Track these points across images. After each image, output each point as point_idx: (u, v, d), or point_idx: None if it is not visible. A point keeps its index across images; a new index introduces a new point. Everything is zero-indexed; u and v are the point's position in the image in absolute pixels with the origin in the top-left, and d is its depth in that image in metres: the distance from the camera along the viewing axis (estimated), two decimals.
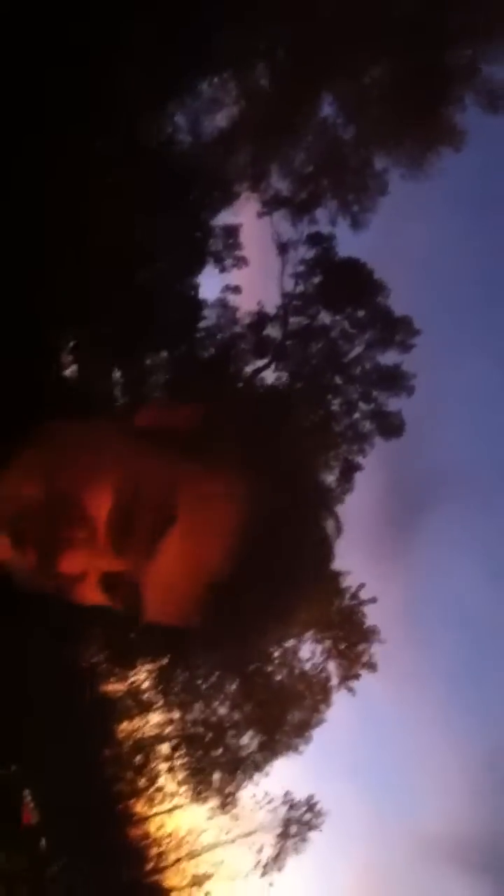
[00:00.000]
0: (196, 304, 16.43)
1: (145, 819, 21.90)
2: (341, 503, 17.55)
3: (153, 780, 21.45)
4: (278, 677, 20.38)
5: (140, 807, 21.72)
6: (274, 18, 13.12)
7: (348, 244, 19.66)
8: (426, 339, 17.78)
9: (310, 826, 21.82)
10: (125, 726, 21.10)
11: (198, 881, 21.90)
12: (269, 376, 17.11)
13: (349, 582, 19.55)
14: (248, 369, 17.10)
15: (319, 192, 17.05)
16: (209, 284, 21.24)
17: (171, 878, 22.09)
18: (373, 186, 16.71)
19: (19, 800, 11.48)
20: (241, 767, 21.47)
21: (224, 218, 16.61)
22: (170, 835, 22.05)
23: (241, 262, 17.14)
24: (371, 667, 20.26)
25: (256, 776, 21.58)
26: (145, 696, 20.83)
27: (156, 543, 0.91)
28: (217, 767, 21.49)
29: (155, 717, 21.44)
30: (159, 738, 21.61)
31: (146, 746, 21.38)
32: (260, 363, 17.19)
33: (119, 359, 14.92)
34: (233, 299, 17.47)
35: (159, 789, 21.45)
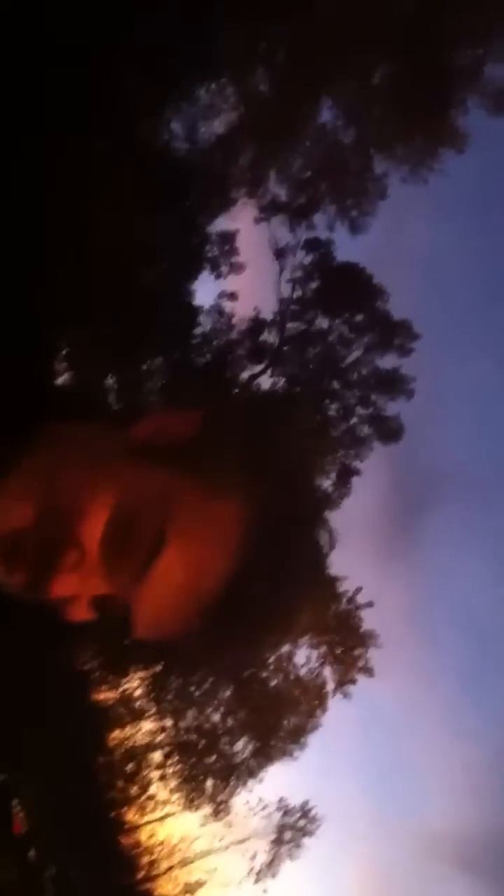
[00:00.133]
0: (192, 309, 16.40)
1: (137, 827, 21.88)
2: (338, 508, 17.65)
3: (145, 787, 21.43)
4: (273, 683, 20.34)
5: (132, 815, 21.71)
6: (273, 21, 13.10)
7: (349, 248, 19.66)
8: (428, 341, 17.81)
9: (304, 832, 21.79)
10: (117, 734, 21.08)
11: (190, 889, 21.87)
12: (266, 382, 17.12)
13: (348, 585, 19.52)
14: (245, 375, 17.09)
15: (317, 197, 17.03)
16: (205, 290, 21.24)
17: (163, 886, 22.07)
18: (372, 190, 16.71)
19: (9, 808, 11.43)
20: (234, 774, 21.43)
21: (221, 224, 16.62)
22: (162, 842, 22.05)
23: (237, 267, 17.13)
24: (368, 671, 20.22)
25: (250, 782, 21.56)
26: (138, 703, 20.82)
27: (147, 567, 0.91)
28: (210, 774, 21.46)
29: (147, 725, 21.44)
30: (151, 746, 21.58)
31: (138, 754, 21.34)
32: (257, 369, 17.16)
33: (114, 364, 14.88)
34: (229, 305, 17.47)
35: (151, 797, 21.44)
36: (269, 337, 17.40)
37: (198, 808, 21.56)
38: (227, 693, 19.90)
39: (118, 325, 12.64)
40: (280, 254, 17.35)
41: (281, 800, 21.87)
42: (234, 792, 21.54)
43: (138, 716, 21.05)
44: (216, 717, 21.24)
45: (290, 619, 1.01)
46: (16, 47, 8.09)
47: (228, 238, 16.87)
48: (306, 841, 21.73)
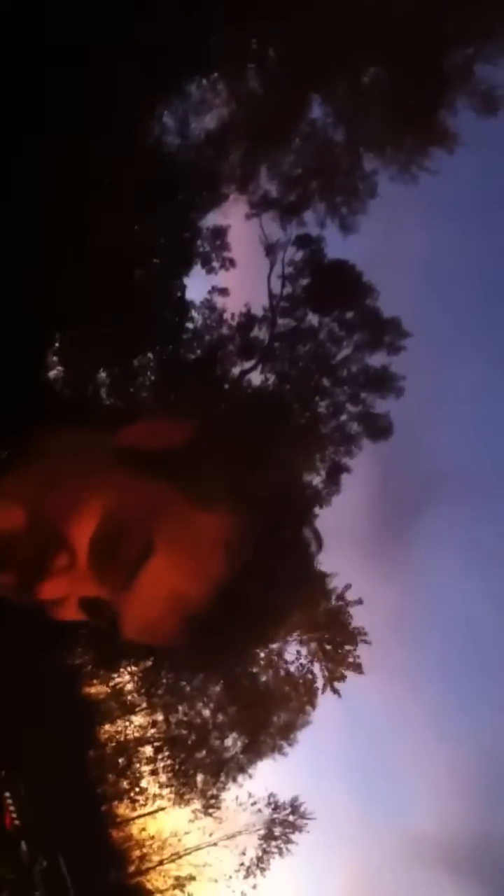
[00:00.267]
0: (183, 305, 16.38)
1: (128, 821, 21.89)
2: (329, 505, 17.69)
3: (136, 782, 21.43)
4: (263, 679, 20.35)
5: (123, 809, 21.73)
6: (265, 20, 13.08)
7: (344, 247, 19.67)
8: (423, 340, 17.87)
9: (294, 827, 21.82)
10: (108, 729, 21.09)
11: (180, 883, 21.89)
12: (257, 378, 17.11)
13: (338, 583, 19.55)
14: (236, 371, 17.07)
15: (308, 194, 17.01)
16: (196, 286, 21.23)
17: (153, 881, 22.08)
18: (362, 189, 16.70)
19: (1, 804, 11.44)
20: (224, 769, 21.45)
21: (212, 219, 16.60)
22: (153, 837, 22.07)
23: (228, 263, 17.12)
24: (357, 668, 20.25)
25: (240, 778, 21.58)
26: (129, 698, 20.82)
27: (135, 574, 0.91)
28: (200, 769, 21.48)
29: (138, 720, 21.45)
30: (142, 741, 21.59)
31: (129, 749, 21.35)
32: (247, 365, 17.15)
33: (105, 359, 14.86)
34: (220, 301, 17.45)
35: (142, 792, 21.43)
36: (260, 333, 17.41)
37: (188, 803, 21.61)
38: (218, 689, 19.91)
39: (110, 320, 12.63)
40: (271, 250, 17.38)
41: (270, 795, 21.93)
42: (224, 787, 21.60)
43: (129, 710, 21.07)
44: (207, 713, 21.29)
45: (279, 625, 1.03)
46: (14, 46, 8.10)
47: (220, 233, 16.87)
48: (295, 836, 21.80)
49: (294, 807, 21.80)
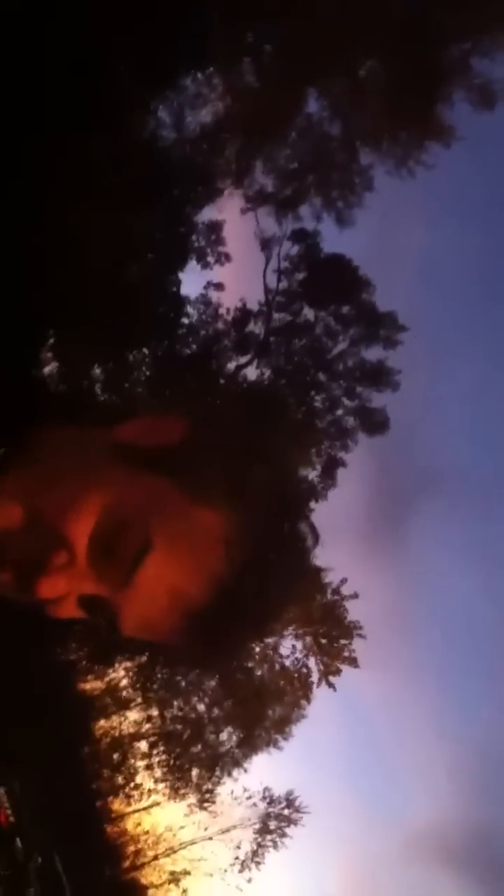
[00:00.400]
0: (179, 300, 16.36)
1: (123, 816, 21.93)
2: (325, 499, 17.70)
3: (131, 777, 21.47)
4: (259, 673, 20.38)
5: (118, 804, 21.78)
6: (262, 13, 13.04)
7: (340, 241, 19.66)
8: (419, 334, 17.85)
9: (289, 821, 21.87)
10: (103, 724, 21.12)
11: (175, 878, 21.93)
12: (252, 373, 17.11)
13: (334, 577, 19.56)
14: (231, 366, 17.06)
15: (304, 188, 16.98)
16: (192, 281, 21.18)
17: (149, 876, 22.14)
18: (358, 183, 16.67)
19: None
20: (219, 764, 21.49)
21: (208, 214, 16.56)
22: (147, 832, 22.12)
23: (224, 258, 17.09)
24: (352, 662, 20.28)
25: (236, 772, 21.63)
26: (124, 693, 20.85)
27: (134, 571, 0.91)
28: (195, 764, 21.52)
29: (133, 715, 21.48)
30: (137, 736, 21.62)
31: (124, 744, 21.38)
32: (243, 360, 17.14)
33: (101, 354, 14.83)
34: (216, 296, 17.43)
35: (137, 787, 21.48)
36: (256, 328, 17.41)
37: (183, 797, 21.66)
38: (213, 683, 19.93)
39: (105, 316, 12.59)
40: (266, 245, 17.35)
41: (266, 789, 21.98)
42: (219, 782, 21.64)
43: (124, 706, 21.10)
44: (202, 708, 21.33)
45: (276, 620, 1.03)
46: (11, 42, 8.07)
47: (215, 228, 16.85)
48: (290, 830, 21.85)
49: (289, 801, 21.86)
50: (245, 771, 21.67)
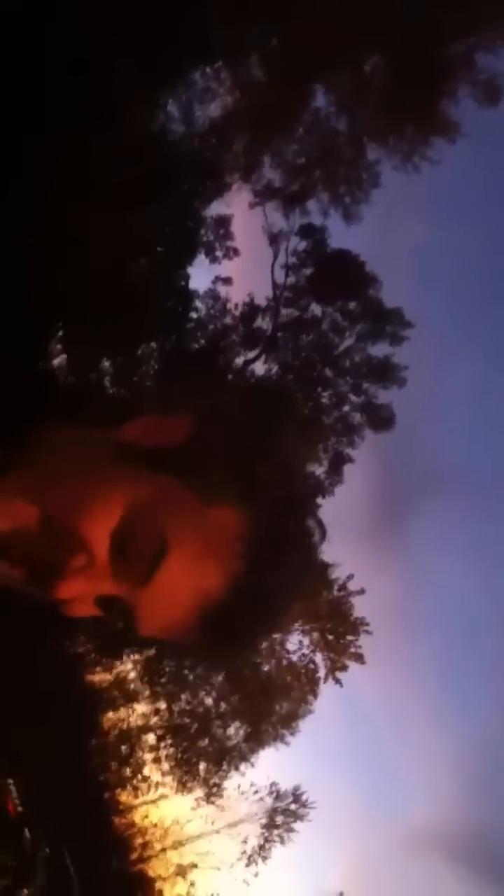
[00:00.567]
0: (187, 294, 16.36)
1: (131, 809, 21.94)
2: (331, 495, 17.71)
3: (139, 769, 21.48)
4: (266, 668, 20.39)
5: (125, 796, 21.77)
6: (269, 8, 13.04)
7: (347, 236, 19.60)
8: (423, 333, 17.83)
9: (296, 816, 21.87)
10: (111, 716, 21.14)
11: (182, 871, 21.94)
12: (260, 368, 17.12)
13: (339, 573, 19.54)
14: (239, 361, 17.08)
15: (312, 183, 16.99)
16: (200, 275, 21.20)
17: (156, 868, 22.14)
18: (365, 178, 16.67)
19: (4, 790, 11.48)
20: (227, 758, 21.50)
21: (216, 208, 16.57)
22: (155, 825, 22.09)
23: (232, 252, 17.11)
24: (358, 658, 20.29)
25: (243, 766, 21.64)
26: (132, 686, 20.87)
27: (152, 573, 0.93)
28: (203, 758, 21.52)
29: (141, 708, 21.49)
30: (145, 729, 21.64)
31: (132, 737, 21.40)
32: (251, 355, 17.16)
33: (108, 350, 14.86)
34: (224, 290, 17.45)
35: (145, 779, 21.48)
36: (263, 323, 17.41)
37: (190, 791, 21.66)
38: (220, 678, 19.94)
39: (113, 310, 12.61)
40: (274, 239, 17.36)
41: (273, 784, 21.97)
42: (226, 776, 21.65)
43: (132, 699, 21.12)
44: (209, 701, 21.34)
45: (287, 615, 1.06)
46: (16, 37, 8.09)
47: (223, 223, 16.86)
48: (297, 825, 21.85)
49: (296, 796, 21.83)
50: (252, 765, 21.68)
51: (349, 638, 20.20)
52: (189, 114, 14.94)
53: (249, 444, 1.02)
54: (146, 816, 22.13)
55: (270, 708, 21.00)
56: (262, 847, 21.63)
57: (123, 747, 21.26)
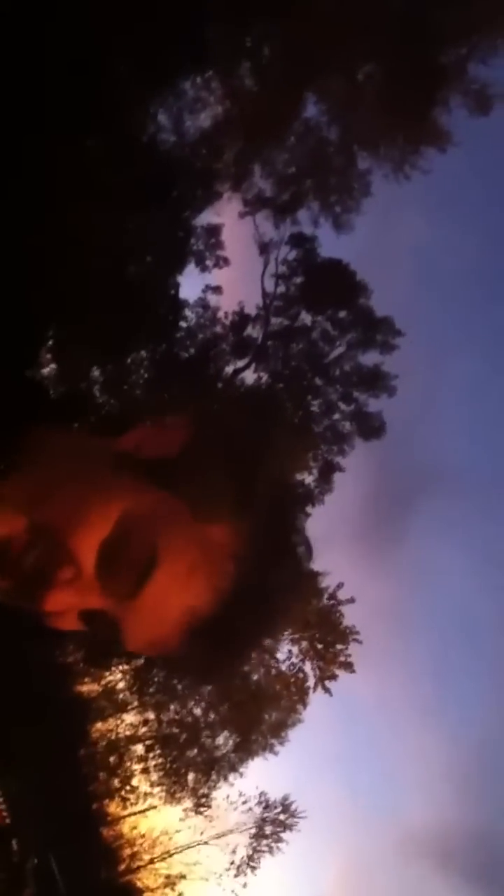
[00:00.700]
0: (177, 303, 16.38)
1: (119, 819, 21.88)
2: (322, 504, 17.72)
3: (127, 780, 21.42)
4: (255, 677, 20.35)
5: (114, 807, 21.72)
6: (260, 16, 13.09)
7: (338, 245, 19.69)
8: (416, 339, 17.88)
9: (285, 826, 21.82)
10: (99, 726, 21.08)
11: (171, 882, 21.88)
12: (250, 377, 17.13)
13: (330, 580, 19.57)
14: (229, 369, 17.09)
15: (302, 192, 17.04)
16: (190, 284, 21.24)
17: (144, 879, 22.08)
18: (356, 188, 16.73)
19: None
20: (215, 768, 21.45)
21: (206, 217, 16.60)
22: (143, 835, 22.06)
23: (222, 261, 17.13)
24: (348, 666, 20.28)
25: (231, 776, 21.59)
26: (120, 696, 20.82)
27: (141, 586, 0.91)
28: (192, 768, 21.48)
29: (130, 718, 21.44)
30: (134, 739, 21.59)
31: (120, 747, 21.34)
32: (240, 363, 17.17)
33: (98, 358, 14.85)
34: (214, 299, 17.47)
35: (133, 790, 21.43)
36: (253, 332, 17.44)
37: (179, 801, 21.61)
38: (209, 688, 19.89)
39: (103, 318, 12.61)
40: (265, 248, 17.40)
41: (262, 794, 21.94)
42: (215, 786, 21.60)
43: (121, 709, 21.07)
44: (198, 711, 21.30)
45: (277, 630, 1.05)
46: (11, 44, 8.10)
47: (214, 231, 16.89)
48: (286, 835, 21.81)
49: (285, 805, 21.81)
50: (241, 775, 21.65)
51: (339, 647, 20.20)
52: (180, 123, 14.97)
53: (241, 458, 1.00)
54: (135, 827, 22.11)
55: (260, 717, 20.96)
56: (250, 857, 21.59)
57: (112, 758, 21.22)
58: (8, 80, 8.02)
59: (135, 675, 19.05)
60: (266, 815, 21.80)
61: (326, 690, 20.49)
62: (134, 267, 14.12)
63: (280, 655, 20.33)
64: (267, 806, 21.82)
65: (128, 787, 21.36)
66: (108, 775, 21.26)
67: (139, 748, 21.53)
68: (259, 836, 21.73)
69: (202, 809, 21.58)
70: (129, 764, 21.47)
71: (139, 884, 21.91)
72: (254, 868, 21.46)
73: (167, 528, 0.93)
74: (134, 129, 12.99)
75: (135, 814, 21.89)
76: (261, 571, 0.95)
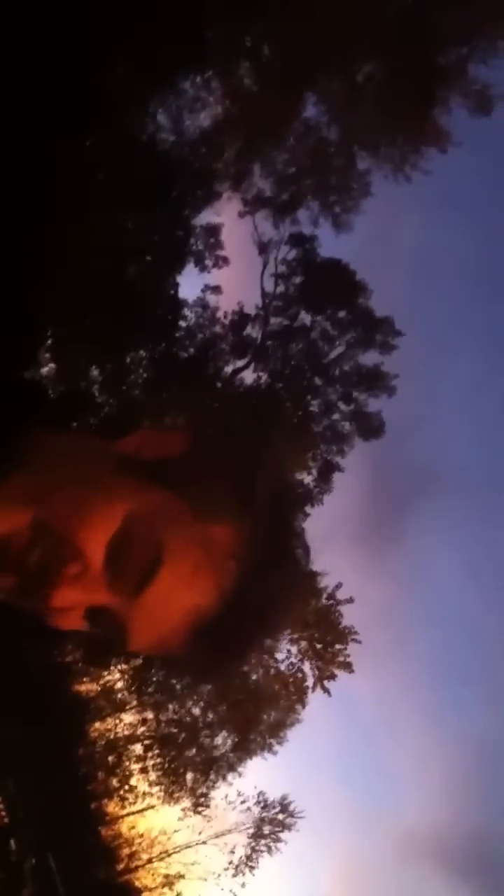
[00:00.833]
0: (176, 303, 16.37)
1: (117, 819, 21.87)
2: (321, 504, 17.72)
3: (126, 780, 21.41)
4: (254, 677, 20.34)
5: (112, 807, 21.70)
6: (260, 17, 13.09)
7: (337, 245, 19.68)
8: (415, 339, 17.89)
9: (283, 826, 21.81)
10: (98, 726, 21.07)
11: (169, 881, 21.87)
12: (249, 377, 17.13)
13: (329, 580, 19.55)
14: (228, 369, 17.08)
15: (302, 192, 17.03)
16: (190, 284, 21.23)
17: (142, 879, 22.07)
18: (355, 188, 16.73)
19: None
20: (214, 767, 21.45)
21: (205, 217, 16.59)
22: (142, 835, 22.05)
23: (221, 261, 17.12)
24: (347, 666, 20.26)
25: (230, 776, 21.59)
26: (119, 695, 20.82)
27: (147, 583, 0.92)
28: (190, 767, 21.47)
29: (128, 717, 21.44)
30: (132, 739, 21.58)
31: (119, 747, 21.34)
32: (240, 363, 17.16)
33: (97, 357, 14.85)
34: (213, 299, 17.46)
35: (132, 789, 21.42)
36: (253, 331, 17.43)
37: (178, 801, 21.60)
38: (208, 687, 19.88)
39: (102, 318, 12.60)
40: (264, 248, 17.39)
41: (260, 794, 21.93)
42: (213, 785, 21.60)
43: (119, 708, 21.07)
44: (196, 711, 21.29)
45: (277, 633, 1.06)
46: (11, 45, 8.10)
47: (213, 231, 16.88)
48: (285, 835, 21.80)
49: (283, 805, 21.79)
50: (240, 775, 21.64)
51: (338, 647, 20.18)
52: (180, 122, 14.96)
53: (242, 458, 1.02)
54: (133, 827, 22.10)
55: (258, 717, 20.95)
56: (249, 857, 21.58)
57: (110, 757, 21.21)
58: (7, 81, 8.02)
59: (133, 675, 19.05)
60: (264, 814, 21.80)
61: (325, 690, 20.47)
62: (133, 266, 14.12)
63: (279, 655, 20.31)
64: (265, 806, 21.82)
65: (126, 787, 21.35)
66: (106, 775, 21.25)
67: (138, 748, 21.53)
68: (257, 835, 21.72)
69: (201, 809, 21.58)
70: (127, 763, 21.47)
71: (137, 883, 21.90)
72: (252, 868, 21.46)
73: (171, 526, 0.94)
74: (133, 128, 12.98)
75: (133, 813, 21.89)
76: (261, 571, 0.95)
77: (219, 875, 21.39)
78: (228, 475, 0.99)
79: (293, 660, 20.47)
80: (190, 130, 15.27)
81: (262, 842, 21.69)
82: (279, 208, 17.14)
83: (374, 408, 17.68)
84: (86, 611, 0.94)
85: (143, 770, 21.37)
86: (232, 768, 21.54)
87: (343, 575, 19.98)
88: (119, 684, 20.34)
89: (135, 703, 20.91)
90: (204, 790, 21.52)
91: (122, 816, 21.88)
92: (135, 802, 21.60)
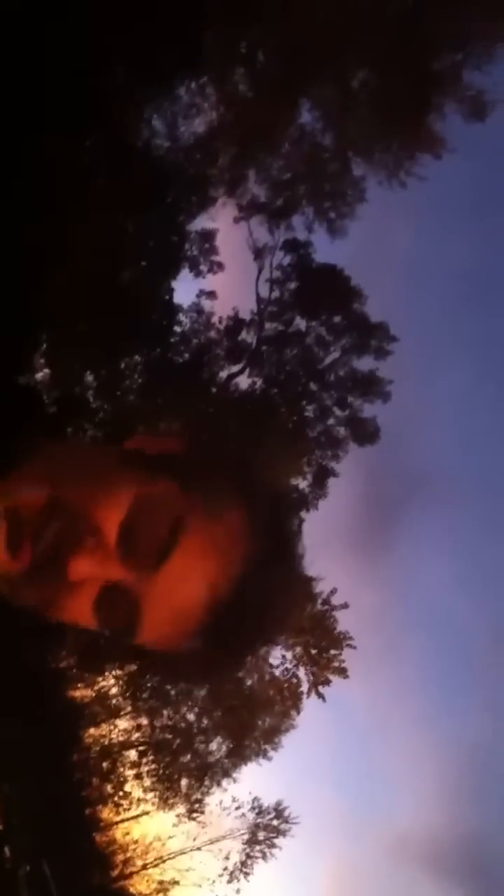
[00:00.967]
0: (171, 308, 16.38)
1: (112, 825, 21.82)
2: (315, 509, 17.73)
3: (120, 786, 21.37)
4: (248, 683, 20.31)
5: (107, 813, 21.66)
6: (255, 23, 13.11)
7: (332, 251, 19.71)
8: (410, 345, 17.92)
9: (278, 832, 21.78)
10: (92, 732, 21.02)
11: (164, 888, 21.83)
12: (244, 382, 17.15)
13: (323, 586, 19.54)
14: (223, 374, 17.10)
15: (297, 198, 17.07)
16: (184, 289, 21.25)
17: (137, 885, 22.03)
18: (350, 194, 16.77)
19: None
20: (209, 773, 21.41)
21: (200, 223, 16.62)
22: (136, 841, 22.00)
23: (216, 267, 17.14)
24: (341, 672, 20.25)
25: (225, 782, 21.56)
26: (113, 701, 20.78)
27: (162, 560, 0.92)
28: (185, 773, 21.43)
29: (123, 723, 21.40)
30: (127, 745, 21.54)
31: (114, 753, 21.30)
32: (235, 368, 17.17)
33: (92, 363, 14.84)
34: (208, 304, 17.48)
35: (126, 795, 21.37)
36: (248, 337, 17.45)
37: (172, 807, 21.57)
38: (203, 693, 19.86)
39: (97, 323, 12.61)
40: (259, 254, 17.42)
41: (255, 799, 21.89)
42: (208, 791, 21.56)
43: (114, 714, 21.03)
44: (191, 717, 21.26)
45: (275, 634, 1.06)
46: (11, 44, 8.10)
47: (208, 237, 16.90)
48: (279, 841, 21.77)
49: (278, 811, 21.76)
50: (234, 781, 21.62)
51: (332, 652, 20.17)
52: (175, 128, 14.98)
53: (239, 460, 1.04)
54: (128, 833, 22.05)
55: (253, 723, 20.92)
56: (244, 863, 21.54)
57: (105, 763, 21.16)
58: (7, 81, 8.03)
59: (128, 681, 19.01)
60: (259, 820, 21.77)
61: (320, 696, 20.46)
62: (128, 271, 14.13)
63: (273, 661, 20.30)
64: (260, 811, 21.79)
65: (121, 793, 21.31)
66: (100, 781, 21.21)
67: (132, 753, 21.50)
68: (252, 841, 21.69)
69: (195, 815, 21.55)
70: (122, 769, 21.43)
71: (132, 889, 21.87)
72: (247, 874, 21.43)
73: (181, 510, 0.94)
74: (129, 134, 12.99)
75: (128, 819, 21.84)
76: (261, 571, 0.95)
77: (213, 881, 21.38)
78: (227, 474, 1.00)
79: (288, 665, 20.48)
80: (185, 136, 15.31)
81: (257, 847, 21.68)
82: (274, 214, 17.18)
83: (369, 413, 17.73)
84: (100, 589, 0.94)
85: (138, 776, 21.35)
86: (227, 774, 21.54)
87: (337, 580, 19.97)
88: (114, 690, 20.33)
89: (129, 708, 20.88)
90: (198, 796, 21.51)
91: (117, 822, 21.84)
92: (129, 808, 21.57)
